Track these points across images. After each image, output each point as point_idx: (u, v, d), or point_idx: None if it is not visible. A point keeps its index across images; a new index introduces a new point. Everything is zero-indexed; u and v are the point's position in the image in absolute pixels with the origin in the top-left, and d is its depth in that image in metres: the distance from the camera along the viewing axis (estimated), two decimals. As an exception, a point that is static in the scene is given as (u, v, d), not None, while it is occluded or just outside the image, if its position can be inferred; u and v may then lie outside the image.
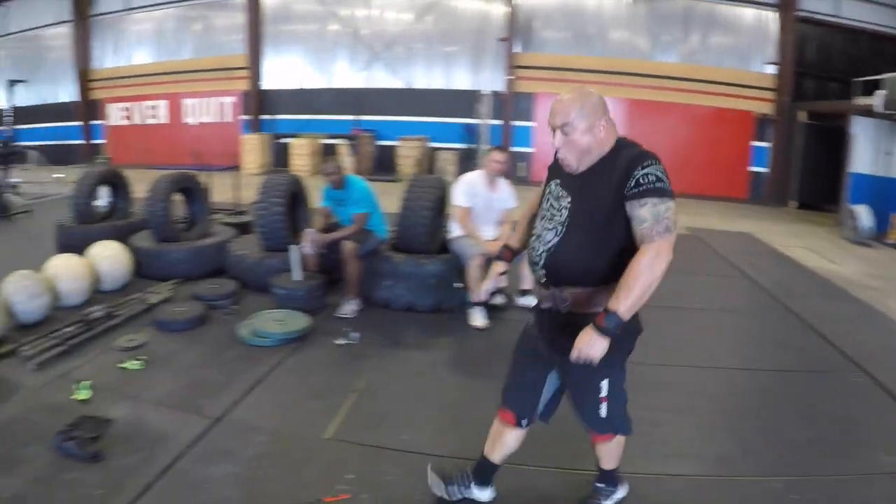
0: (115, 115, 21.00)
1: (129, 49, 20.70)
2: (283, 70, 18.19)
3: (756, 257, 9.12)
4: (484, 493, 2.87)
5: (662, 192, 2.12)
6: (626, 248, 2.16)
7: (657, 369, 4.45)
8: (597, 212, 2.20)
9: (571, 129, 2.22)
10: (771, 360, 5.16)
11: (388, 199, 6.57)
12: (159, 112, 20.50)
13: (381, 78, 17.12)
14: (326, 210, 5.98)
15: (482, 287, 3.01)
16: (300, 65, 18.16)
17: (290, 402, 3.96)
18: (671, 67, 15.46)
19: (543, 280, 2.37)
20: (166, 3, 19.92)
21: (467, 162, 15.34)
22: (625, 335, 2.22)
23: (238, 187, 10.38)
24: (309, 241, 5.54)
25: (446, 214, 6.17)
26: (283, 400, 4.00)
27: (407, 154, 15.79)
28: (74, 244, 6.95)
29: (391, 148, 16.28)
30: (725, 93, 15.32)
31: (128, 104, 20.84)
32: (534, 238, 2.42)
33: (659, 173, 2.14)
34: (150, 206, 6.72)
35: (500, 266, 2.89)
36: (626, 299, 2.06)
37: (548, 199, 2.43)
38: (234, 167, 11.23)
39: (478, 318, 5.31)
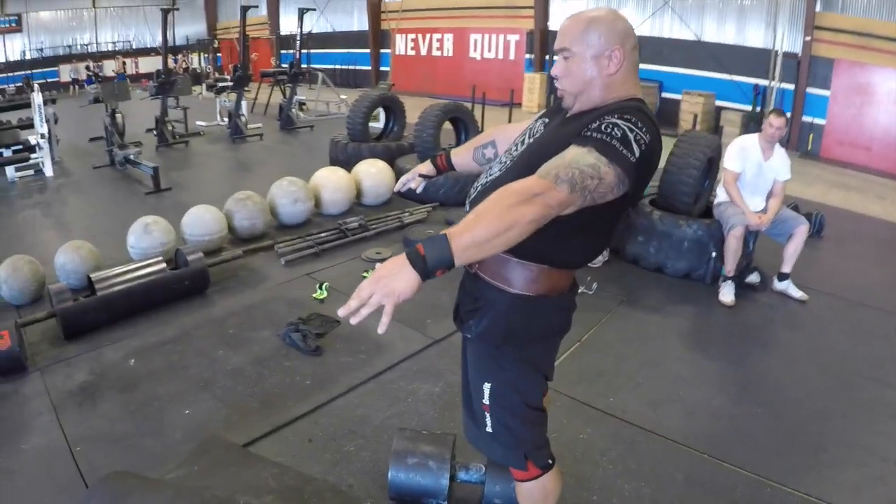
0: (403, 45, 22.86)
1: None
2: (572, 9, 18.22)
3: None
4: None
5: (610, 150, 1.51)
6: (561, 221, 1.53)
7: None
8: (546, 155, 1.60)
9: (571, 54, 1.73)
10: None
11: (665, 153, 6.28)
12: (445, 45, 21.99)
13: (670, 27, 16.47)
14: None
15: (400, 180, 2.49)
16: (586, 6, 18.02)
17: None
18: None
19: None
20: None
21: (751, 124, 14.27)
22: (525, 320, 1.76)
23: (510, 121, 10.66)
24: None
25: (716, 177, 5.80)
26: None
27: (690, 109, 15.09)
28: (345, 159, 7.89)
29: (674, 101, 15.74)
30: None
31: (415, 35, 22.62)
32: (482, 174, 1.94)
33: (628, 131, 1.55)
34: (419, 131, 7.29)
35: (424, 167, 2.42)
36: (465, 230, 1.38)
37: (522, 134, 1.94)
38: (514, 104, 11.57)
39: (727, 294, 4.97)
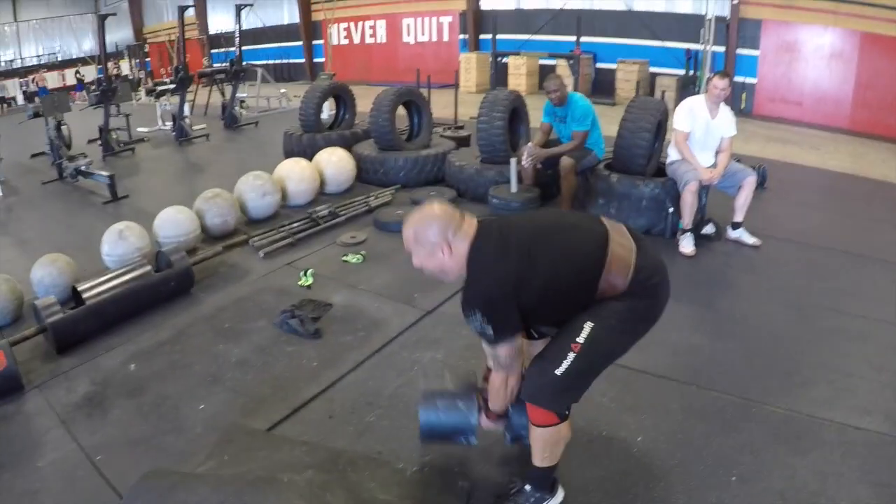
0: (336, 34, 22.78)
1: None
2: (503, -10, 18.52)
3: None
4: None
5: (486, 335, 2.14)
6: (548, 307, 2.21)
7: (858, 321, 4.19)
8: None
9: (416, 255, 2.21)
10: None
11: (605, 121, 6.65)
12: (378, 32, 21.99)
13: None
14: (547, 126, 6.19)
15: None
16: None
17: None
18: None
19: None
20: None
21: (687, 88, 14.77)
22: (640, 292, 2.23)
23: (456, 104, 10.87)
24: (527, 155, 5.84)
25: (665, 138, 6.20)
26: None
27: (625, 77, 15.54)
28: (300, 150, 7.97)
29: (610, 71, 16.17)
30: None
31: (347, 24, 22.56)
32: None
33: (473, 324, 2.13)
34: (374, 116, 7.39)
35: None
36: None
37: None
38: (453, 85, 11.76)
39: (687, 245, 5.34)
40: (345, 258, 5.02)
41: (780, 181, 7.87)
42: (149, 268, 4.51)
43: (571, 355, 2.07)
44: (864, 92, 14.11)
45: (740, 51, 15.34)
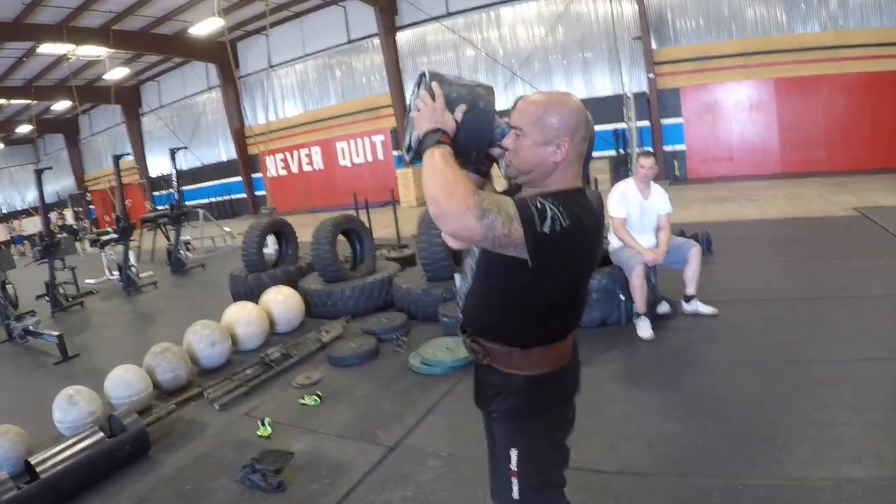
0: (273, 166, 23.19)
1: (278, 103, 23.27)
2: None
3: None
4: None
5: (526, 214, 1.72)
6: (525, 306, 1.91)
7: (827, 366, 4.24)
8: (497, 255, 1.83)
9: (524, 134, 1.89)
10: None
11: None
12: (314, 158, 22.59)
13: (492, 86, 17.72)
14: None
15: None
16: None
17: (463, 425, 4.10)
18: (814, 38, 14.43)
19: (462, 325, 2.17)
20: (305, 56, 22.16)
21: (620, 168, 15.43)
22: (542, 393, 1.99)
23: (397, 222, 10.96)
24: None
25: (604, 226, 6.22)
26: (456, 424, 4.16)
27: (558, 168, 16.10)
28: (248, 291, 7.88)
29: (541, 163, 16.69)
30: (877, 55, 13.74)
31: (284, 154, 23.10)
32: (461, 277, 2.17)
33: (548, 209, 1.73)
34: (315, 250, 7.39)
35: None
36: (428, 164, 1.77)
37: None
38: (392, 202, 11.93)
39: (645, 330, 5.30)
40: (302, 401, 4.86)
41: (726, 241, 8.04)
42: (101, 434, 4.30)
43: (514, 480, 1.99)
44: (789, 134, 14.85)
45: (664, 121, 16.04)
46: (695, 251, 5.49)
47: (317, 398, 4.87)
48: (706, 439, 3.53)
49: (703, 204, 11.67)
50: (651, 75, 15.62)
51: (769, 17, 14.83)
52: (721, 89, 15.37)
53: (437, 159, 1.74)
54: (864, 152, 14.06)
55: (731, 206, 11.20)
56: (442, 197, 1.69)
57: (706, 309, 5.53)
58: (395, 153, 20.36)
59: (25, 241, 22.63)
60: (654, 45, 15.74)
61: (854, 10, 14.03)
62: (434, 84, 1.85)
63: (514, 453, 2.00)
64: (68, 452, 4.09)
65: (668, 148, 15.70)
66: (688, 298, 5.62)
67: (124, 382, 5.20)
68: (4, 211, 31.99)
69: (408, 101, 2.03)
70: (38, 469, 3.95)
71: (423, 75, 1.93)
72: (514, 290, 1.89)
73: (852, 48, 13.96)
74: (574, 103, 1.91)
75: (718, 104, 15.45)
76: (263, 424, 4.49)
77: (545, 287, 1.85)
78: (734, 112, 15.33)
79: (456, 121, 1.85)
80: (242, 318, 6.44)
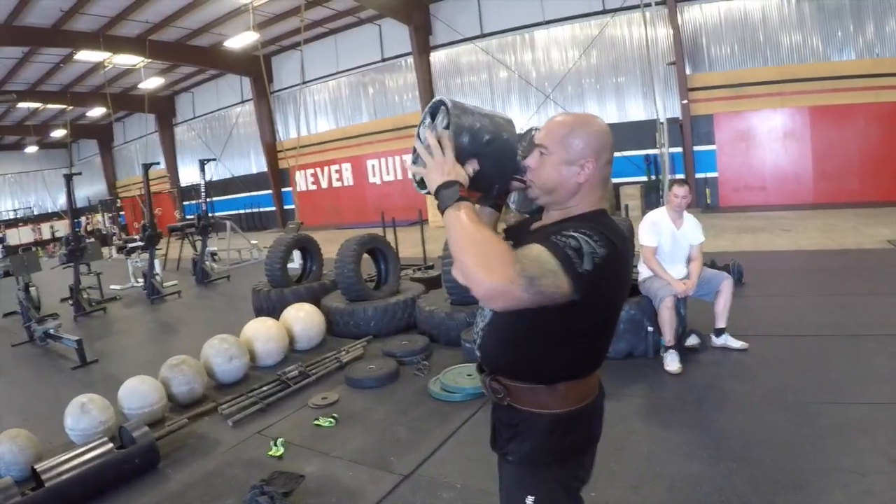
0: (303, 181, 23.33)
1: (310, 118, 23.54)
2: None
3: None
4: None
5: (565, 258, 1.59)
6: (553, 341, 1.78)
7: (861, 408, 4.06)
8: None
9: (548, 153, 1.84)
10: None
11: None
12: (344, 175, 22.70)
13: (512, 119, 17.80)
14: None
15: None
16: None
17: (480, 456, 3.96)
18: (850, 65, 14.22)
19: (479, 364, 2.03)
20: (339, 73, 22.43)
21: (651, 195, 15.33)
22: (565, 435, 1.86)
23: (424, 241, 10.90)
24: None
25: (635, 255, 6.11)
26: (472, 455, 4.03)
27: (588, 192, 16.01)
28: (270, 307, 7.86)
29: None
30: None
31: (314, 170, 23.23)
32: (478, 312, 2.04)
33: (584, 244, 1.62)
34: (339, 268, 7.33)
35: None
36: (453, 225, 1.63)
37: None
38: (420, 222, 11.87)
39: (672, 363, 5.13)
40: (317, 422, 4.77)
41: (757, 272, 7.84)
42: (111, 445, 4.24)
43: None
44: (822, 164, 14.62)
45: (697, 147, 15.85)
46: (726, 283, 5.33)
47: (332, 420, 4.78)
48: (731, 484, 3.37)
49: (734, 233, 11.45)
50: (685, 101, 15.48)
51: (805, 44, 14.68)
52: (755, 117, 15.17)
53: (465, 222, 1.60)
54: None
55: (763, 236, 10.98)
56: (482, 274, 1.52)
57: (736, 343, 5.36)
58: (426, 172, 20.40)
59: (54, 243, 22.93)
60: (688, 71, 15.63)
61: (891, 38, 13.84)
62: (442, 130, 1.74)
63: (530, 500, 1.88)
64: (76, 462, 4.05)
65: (700, 175, 15.51)
66: (718, 332, 5.45)
67: (138, 393, 5.16)
68: (36, 213, 32.59)
69: (418, 129, 1.94)
70: (43, 477, 3.91)
71: (440, 103, 1.85)
72: (542, 325, 1.77)
73: (889, 77, 13.75)
74: (600, 125, 1.87)
75: (752, 132, 15.25)
76: (276, 444, 4.41)
77: (579, 320, 1.74)
78: (768, 140, 15.11)
79: (468, 174, 1.74)
80: (262, 333, 6.39)
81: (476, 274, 1.53)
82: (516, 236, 2.01)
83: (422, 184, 1.84)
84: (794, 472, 3.39)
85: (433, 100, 1.90)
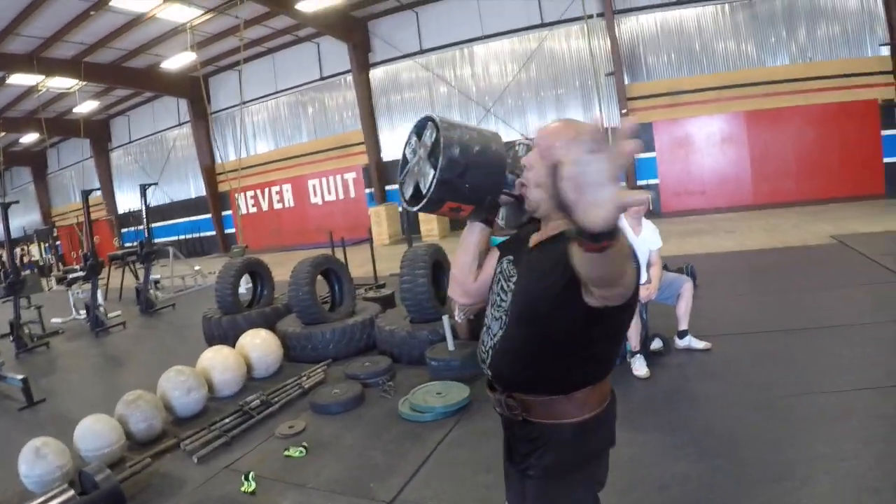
0: (244, 203, 22.93)
1: (249, 140, 23.12)
2: (400, 139, 19.16)
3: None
4: None
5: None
6: (574, 349, 1.76)
7: (829, 397, 4.21)
8: (541, 297, 1.75)
9: (540, 166, 1.84)
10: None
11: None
12: (285, 196, 22.38)
13: (498, 132, 17.85)
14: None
15: None
16: (404, 137, 19.21)
17: (461, 477, 3.89)
18: (783, 70, 15.00)
19: (490, 382, 1.99)
20: (278, 93, 22.16)
21: None
22: (587, 442, 1.86)
23: (374, 261, 10.76)
24: (458, 309, 5.62)
25: None
26: (454, 475, 3.94)
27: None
28: (222, 334, 7.59)
29: (519, 203, 16.86)
30: (844, 85, 14.39)
31: (255, 192, 22.86)
32: (483, 330, 2.01)
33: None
34: (293, 291, 7.11)
35: None
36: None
37: (498, 281, 2.00)
38: (366, 240, 11.72)
39: (640, 368, 5.18)
40: (287, 452, 4.58)
41: (707, 274, 7.98)
42: (71, 492, 3.99)
43: None
44: (760, 166, 15.11)
45: (638, 155, 16.13)
46: (687, 286, 5.42)
47: (302, 449, 4.60)
48: (718, 480, 3.41)
49: (679, 237, 11.66)
50: (624, 111, 15.81)
51: (739, 51, 15.23)
52: (693, 123, 15.59)
53: (625, 241, 1.34)
54: (834, 181, 14.44)
55: (708, 239, 11.22)
56: (633, 276, 1.56)
57: (700, 344, 5.44)
58: (368, 190, 20.24)
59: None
60: (626, 81, 15.96)
61: (822, 42, 14.51)
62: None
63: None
64: (36, 513, 3.81)
65: (641, 182, 15.86)
66: (681, 334, 5.52)
67: (95, 433, 4.86)
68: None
69: (403, 150, 1.95)
70: (3, 534, 3.67)
71: (427, 120, 1.84)
72: (563, 334, 1.74)
73: (820, 80, 14.40)
74: (586, 125, 1.81)
75: (691, 138, 15.66)
76: (247, 479, 4.20)
77: (606, 322, 1.71)
78: (706, 145, 15.55)
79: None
80: (219, 363, 6.14)
81: (633, 278, 1.55)
82: (513, 251, 2.00)
83: (421, 202, 1.81)
84: (778, 463, 3.46)
85: (419, 118, 1.90)
